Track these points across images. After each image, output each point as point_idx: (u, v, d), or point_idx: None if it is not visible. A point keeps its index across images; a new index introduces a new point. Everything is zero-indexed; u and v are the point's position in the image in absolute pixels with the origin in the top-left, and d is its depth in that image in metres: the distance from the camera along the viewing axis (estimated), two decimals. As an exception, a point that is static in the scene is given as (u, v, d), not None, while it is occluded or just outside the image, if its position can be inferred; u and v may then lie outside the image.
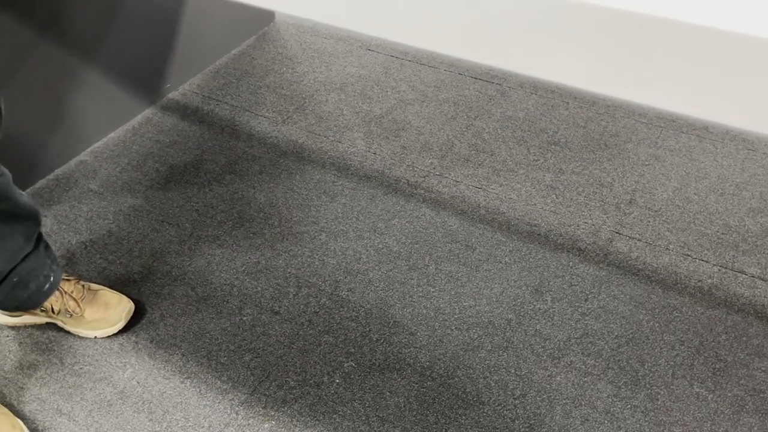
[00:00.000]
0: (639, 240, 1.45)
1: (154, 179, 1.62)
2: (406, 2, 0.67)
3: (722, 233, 1.45)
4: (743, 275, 1.36)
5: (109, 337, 1.27)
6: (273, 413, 1.15)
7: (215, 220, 1.52)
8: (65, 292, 1.23)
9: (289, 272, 1.40)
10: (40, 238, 1.17)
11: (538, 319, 1.30)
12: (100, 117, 1.72)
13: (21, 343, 1.26)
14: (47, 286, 1.20)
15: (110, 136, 1.74)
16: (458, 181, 1.61)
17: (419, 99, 1.88)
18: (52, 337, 1.27)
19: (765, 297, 1.32)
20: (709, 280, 1.36)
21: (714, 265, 1.39)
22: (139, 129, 1.77)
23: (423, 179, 1.62)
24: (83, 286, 1.27)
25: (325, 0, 0.71)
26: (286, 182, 1.62)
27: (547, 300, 1.34)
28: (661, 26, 0.56)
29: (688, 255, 1.41)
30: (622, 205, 1.53)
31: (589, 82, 0.62)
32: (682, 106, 0.60)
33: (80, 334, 1.27)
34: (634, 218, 1.50)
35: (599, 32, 0.59)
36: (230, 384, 1.20)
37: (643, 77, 0.59)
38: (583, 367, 1.21)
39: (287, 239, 1.47)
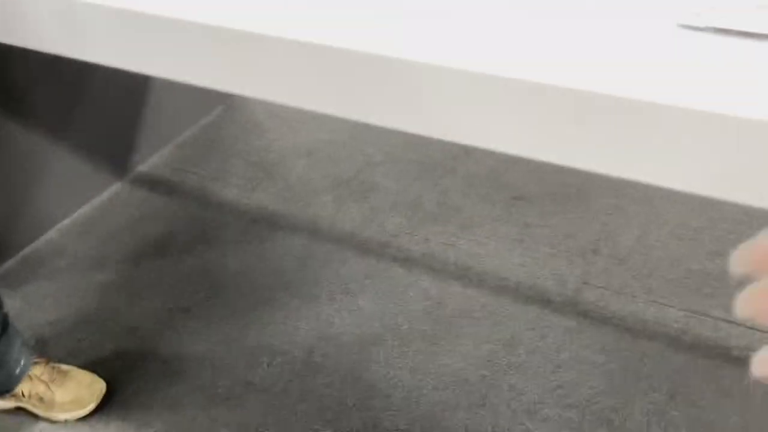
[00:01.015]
0: (606, 289, 1.48)
1: (125, 254, 1.62)
2: (364, 87, 0.71)
3: (685, 278, 1.49)
4: (708, 318, 1.39)
5: (80, 419, 1.24)
6: (251, 488, 1.13)
7: (187, 291, 1.51)
8: (35, 376, 1.21)
9: (263, 340, 1.39)
10: (6, 321, 1.16)
11: (512, 374, 1.31)
12: (67, 194, 1.72)
13: (-11, 430, 1.23)
14: (18, 370, 1.18)
15: (78, 212, 1.75)
16: (428, 239, 1.64)
17: (386, 160, 1.93)
18: (21, 422, 1.24)
19: (730, 338, 1.35)
20: (676, 325, 1.39)
21: (679, 309, 1.42)
22: (107, 204, 1.78)
23: (393, 239, 1.64)
24: (53, 367, 1.25)
25: (281, 81, 0.74)
26: (257, 249, 1.63)
27: (520, 354, 1.35)
28: (604, 101, 0.60)
29: (654, 301, 1.44)
30: (588, 255, 1.57)
31: (535, 151, 0.66)
32: (624, 172, 0.64)
33: (51, 418, 1.24)
34: (599, 267, 1.53)
35: (542, 107, 0.63)
36: (206, 460, 1.18)
37: (590, 147, 0.63)
38: (559, 420, 1.22)
39: (259, 307, 1.47)
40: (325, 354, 1.36)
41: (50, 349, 1.37)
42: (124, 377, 1.32)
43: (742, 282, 0.30)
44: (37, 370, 1.22)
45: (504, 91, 0.63)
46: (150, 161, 1.92)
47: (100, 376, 1.28)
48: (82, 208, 1.76)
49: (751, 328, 1.37)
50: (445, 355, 1.35)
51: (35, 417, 1.25)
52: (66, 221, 1.72)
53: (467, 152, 1.94)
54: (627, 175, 0.63)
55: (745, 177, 0.57)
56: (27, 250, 1.63)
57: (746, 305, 0.28)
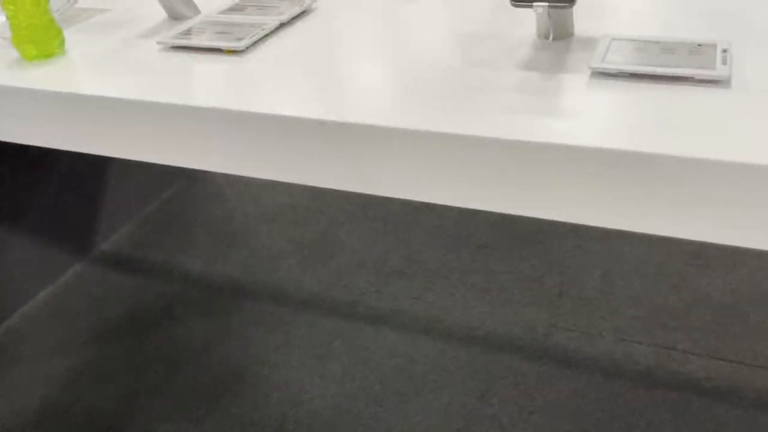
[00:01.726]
0: (574, 331, 1.48)
1: (88, 336, 1.59)
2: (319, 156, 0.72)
3: (650, 314, 1.50)
4: (675, 352, 1.40)
5: None
6: None
7: (153, 370, 1.48)
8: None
9: (233, 412, 1.36)
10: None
11: (487, 426, 1.29)
12: (27, 278, 1.70)
13: None
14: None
15: (39, 296, 1.72)
16: (395, 295, 1.64)
17: (349, 219, 1.94)
18: None
19: (699, 371, 1.36)
20: (645, 362, 1.39)
21: (647, 346, 1.42)
22: (69, 286, 1.75)
23: (360, 297, 1.64)
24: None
25: (239, 155, 0.75)
26: (223, 321, 1.61)
27: (494, 404, 1.34)
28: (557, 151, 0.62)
29: (623, 339, 1.45)
30: (554, 299, 1.58)
31: (487, 204, 0.67)
32: (578, 218, 0.65)
33: None
34: (566, 310, 1.54)
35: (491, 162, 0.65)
36: None
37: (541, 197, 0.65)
38: (538, 469, 1.20)
39: (228, 379, 1.44)
40: (298, 421, 1.33)
41: (11, 442, 1.32)
42: (90, 465, 1.27)
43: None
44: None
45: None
46: (112, 239, 1.91)
47: (63, 465, 1.24)
48: (42, 291, 1.73)
49: (718, 358, 1.38)
50: (419, 413, 1.33)
51: None
52: (26, 306, 1.69)
53: (429, 205, 1.97)
54: (568, 218, 0.65)
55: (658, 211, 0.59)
56: (-14, 340, 1.59)
57: None
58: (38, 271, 1.73)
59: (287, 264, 1.78)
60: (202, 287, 1.72)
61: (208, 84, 0.78)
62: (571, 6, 0.68)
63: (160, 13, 1.01)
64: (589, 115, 0.63)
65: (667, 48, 0.71)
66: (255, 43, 0.86)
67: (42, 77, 0.83)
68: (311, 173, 0.72)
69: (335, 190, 2.07)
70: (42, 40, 0.87)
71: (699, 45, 0.70)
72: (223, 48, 0.84)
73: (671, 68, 0.67)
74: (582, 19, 0.82)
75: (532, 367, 1.40)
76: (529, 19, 0.83)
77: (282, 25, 0.91)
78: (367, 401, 1.36)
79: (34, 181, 1.68)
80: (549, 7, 0.68)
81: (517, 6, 0.69)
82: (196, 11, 0.99)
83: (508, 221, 1.86)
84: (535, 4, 0.68)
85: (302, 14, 0.95)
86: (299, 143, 0.70)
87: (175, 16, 0.99)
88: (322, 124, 0.67)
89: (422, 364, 1.44)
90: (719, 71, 0.65)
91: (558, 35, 0.76)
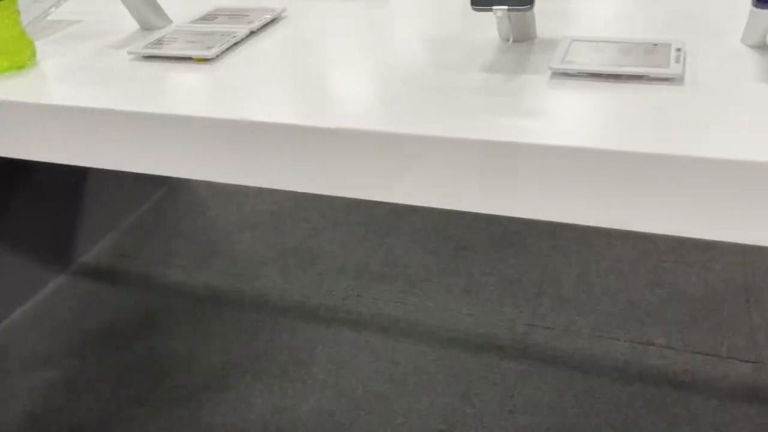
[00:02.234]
0: (553, 329, 1.50)
1: (69, 348, 1.58)
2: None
3: (627, 310, 1.53)
4: (652, 347, 1.43)
5: None
6: None
7: (135, 379, 1.48)
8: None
9: (216, 420, 1.37)
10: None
11: (469, 425, 1.30)
12: (7, 292, 1.69)
13: None
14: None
15: (20, 310, 1.71)
16: (376, 299, 1.65)
17: (330, 225, 1.95)
18: None
19: (675, 365, 1.38)
20: (623, 357, 1.41)
21: (624, 341, 1.45)
22: (50, 298, 1.75)
23: (342, 302, 1.65)
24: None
25: (218, 163, 0.76)
26: (204, 329, 1.61)
27: (475, 404, 1.35)
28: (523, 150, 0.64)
29: (600, 336, 1.47)
30: (532, 298, 1.60)
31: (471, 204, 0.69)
32: (555, 215, 0.67)
33: None
34: (545, 309, 1.56)
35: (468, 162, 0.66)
36: None
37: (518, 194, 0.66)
38: (519, 466, 1.22)
39: (211, 387, 1.45)
40: (281, 428, 1.34)
41: (-8, 457, 1.32)
42: (72, 477, 1.27)
43: None
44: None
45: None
46: (93, 251, 1.91)
47: (45, 478, 1.23)
48: (24, 305, 1.73)
49: (694, 352, 1.41)
50: (401, 415, 1.34)
51: None
52: (7, 321, 1.68)
53: (410, 208, 1.98)
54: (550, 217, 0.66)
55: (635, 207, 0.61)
56: (-34, 355, 1.58)
57: None
58: (17, 285, 1.72)
59: (269, 271, 1.78)
60: (184, 296, 1.72)
61: (179, 92, 0.79)
62: (530, 9, 0.70)
63: (132, 24, 1.02)
64: (551, 114, 0.65)
65: (625, 48, 0.73)
66: (225, 51, 0.87)
67: (13, 88, 0.84)
68: (284, 178, 0.73)
69: (316, 197, 2.08)
70: (13, 51, 0.87)
71: (654, 45, 0.72)
72: (194, 56, 0.86)
73: (627, 67, 0.69)
74: (546, 22, 0.84)
75: (511, 366, 1.42)
76: (493, 23, 0.85)
77: (252, 33, 0.93)
78: (349, 405, 1.37)
79: (11, 193, 1.68)
80: (508, 10, 0.70)
81: (477, 10, 0.71)
82: (168, 21, 1.01)
83: (487, 223, 1.88)
84: (494, 7, 0.70)
85: (272, 22, 0.97)
86: (270, 148, 0.71)
87: (146, 26, 1.00)
88: (291, 128, 0.68)
89: (403, 366, 1.45)
90: (672, 69, 0.67)
91: (519, 38, 0.78)
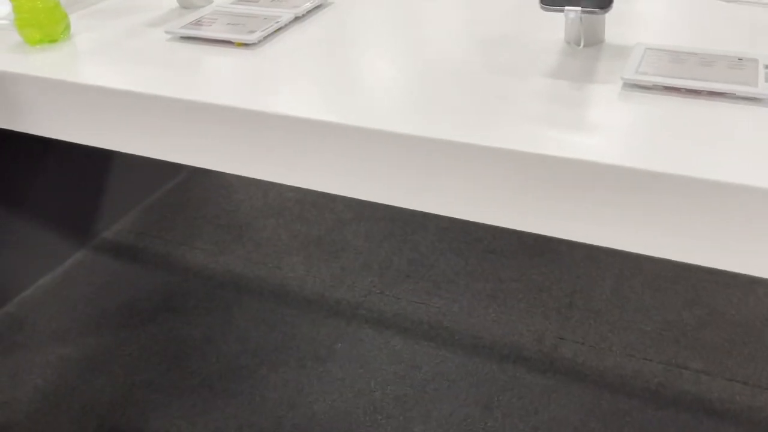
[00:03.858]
0: (582, 344, 1.44)
1: (85, 325, 1.56)
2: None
3: (662, 329, 1.46)
4: (687, 371, 1.36)
5: (31, 508, 1.16)
6: None
7: (149, 363, 1.45)
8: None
9: (228, 412, 1.33)
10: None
11: (490, 439, 1.25)
12: (27, 264, 1.67)
13: None
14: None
15: (39, 283, 1.69)
16: (399, 298, 1.60)
17: (356, 218, 1.90)
18: None
19: (711, 392, 1.32)
20: (655, 380, 1.35)
21: (658, 363, 1.38)
22: (69, 273, 1.72)
23: (364, 299, 1.60)
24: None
25: (240, 155, 0.72)
26: (223, 315, 1.57)
27: (497, 416, 1.30)
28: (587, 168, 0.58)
29: (632, 355, 1.41)
30: (563, 309, 1.54)
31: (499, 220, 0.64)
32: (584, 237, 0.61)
33: None
34: (575, 321, 1.50)
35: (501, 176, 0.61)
36: None
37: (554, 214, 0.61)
38: (540, 487, 1.17)
39: (226, 376, 1.41)
40: (295, 424, 1.30)
41: (2, 432, 1.30)
42: (81, 459, 1.24)
43: None
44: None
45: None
46: (115, 227, 1.88)
47: (54, 459, 1.21)
48: (43, 278, 1.70)
49: (731, 379, 1.34)
50: (419, 422, 1.30)
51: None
52: (26, 292, 1.66)
53: (438, 207, 1.92)
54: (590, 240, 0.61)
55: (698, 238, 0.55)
56: (-18, 325, 1.56)
57: None
58: (40, 256, 1.70)
59: (292, 260, 1.74)
60: (204, 280, 1.69)
61: (215, 78, 0.74)
62: (605, 12, 0.64)
63: (172, 1, 0.97)
64: (619, 130, 0.59)
65: (705, 61, 0.66)
66: (267, 37, 0.82)
67: (43, 63, 0.80)
68: (315, 177, 0.68)
69: (343, 187, 2.03)
70: (46, 24, 0.83)
71: (740, 59, 0.66)
72: (234, 41, 0.81)
73: (709, 83, 0.62)
74: (613, 25, 0.78)
75: (537, 380, 1.37)
76: (557, 23, 0.79)
77: (296, 19, 0.87)
78: (366, 408, 1.33)
79: (38, 166, 1.65)
80: (582, 12, 0.64)
81: (546, 10, 0.65)
82: (209, 0, 0.96)
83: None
84: (566, 8, 0.64)
85: (318, 8, 0.91)
86: (304, 145, 0.66)
87: (186, 5, 0.95)
88: (327, 126, 0.63)
89: (424, 371, 1.40)
90: (762, 89, 0.60)
91: (588, 42, 0.72)
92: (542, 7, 0.65)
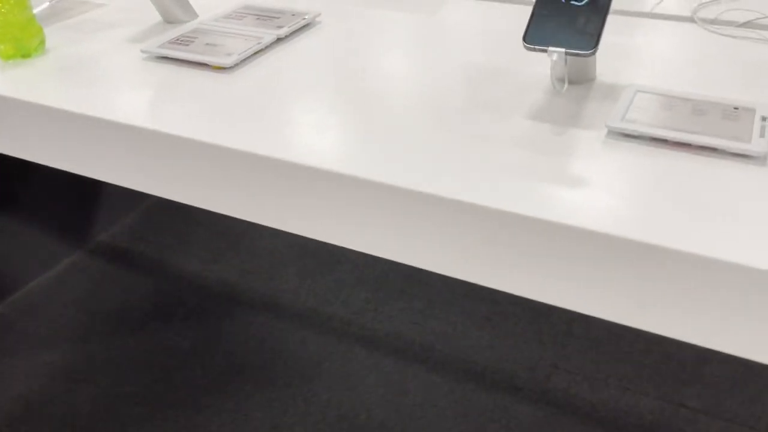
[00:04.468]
0: (577, 374, 1.40)
1: (73, 331, 1.54)
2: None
3: (661, 363, 1.41)
4: (684, 409, 1.31)
5: None
6: None
7: (135, 373, 1.43)
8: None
9: (211, 430, 1.31)
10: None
11: (474, 472, 1.22)
12: (21, 265, 1.66)
13: None
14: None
15: (31, 285, 1.68)
16: (392, 317, 1.56)
17: (355, 229, 1.87)
18: None
19: (707, 434, 1.27)
20: (650, 416, 1.30)
21: (654, 398, 1.34)
22: (63, 276, 1.71)
23: (356, 316, 1.57)
24: (-19, 461, 1.17)
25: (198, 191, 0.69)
26: (213, 327, 1.55)
27: (484, 448, 1.26)
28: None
29: (628, 388, 1.36)
30: (559, 336, 1.49)
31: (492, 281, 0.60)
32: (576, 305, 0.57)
33: None
34: (571, 350, 1.46)
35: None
36: None
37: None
38: None
39: (211, 392, 1.39)
40: (276, 446, 1.27)
41: (-18, 440, 1.28)
42: (58, 472, 1.23)
43: None
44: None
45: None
46: (111, 230, 1.86)
47: (30, 472, 1.19)
48: (36, 279, 1.69)
49: (730, 421, 1.29)
50: (403, 449, 1.27)
51: None
52: (17, 294, 1.65)
53: (439, 222, 1.89)
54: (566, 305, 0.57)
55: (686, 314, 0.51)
56: (-29, 327, 1.55)
57: None
58: (35, 257, 1.69)
59: (286, 272, 1.71)
60: (197, 289, 1.66)
61: (184, 106, 0.71)
62: (591, 54, 0.60)
63: (156, 15, 0.94)
64: (598, 186, 0.55)
65: (699, 108, 0.62)
66: (246, 60, 0.79)
67: (12, 80, 0.77)
68: (281, 217, 0.65)
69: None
70: (20, 38, 0.81)
71: (735, 108, 0.61)
72: (210, 63, 0.77)
73: (699, 135, 0.58)
74: (608, 59, 0.74)
75: (528, 410, 1.33)
76: (546, 57, 0.74)
77: (279, 40, 0.84)
78: None
79: (36, 166, 1.64)
80: (566, 54, 0.59)
81: (529, 49, 0.61)
82: (193, 15, 0.93)
83: (520, 246, 1.77)
84: (549, 48, 0.60)
85: (304, 28, 0.88)
86: (264, 184, 0.63)
87: (169, 20, 0.92)
88: (288, 167, 0.60)
89: (413, 396, 1.37)
90: (755, 146, 0.56)
91: (575, 80, 0.68)
92: (525, 46, 0.61)
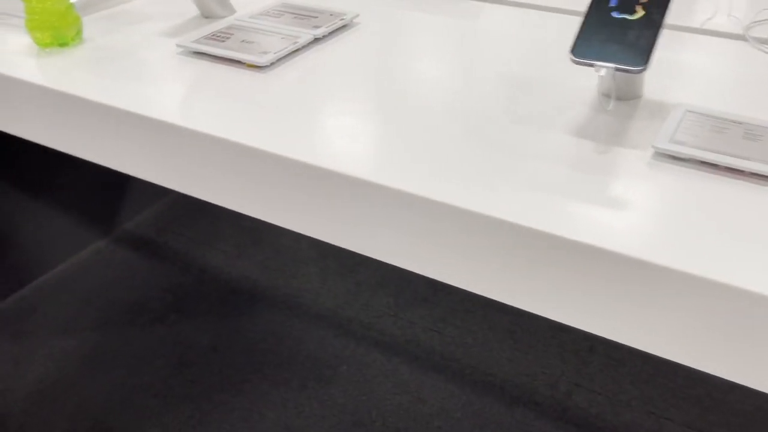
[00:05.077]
0: (599, 393, 1.36)
1: (94, 319, 1.55)
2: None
3: (687, 387, 1.37)
4: (709, 437, 1.27)
5: (15, 506, 1.15)
6: None
7: (152, 366, 1.43)
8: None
9: (224, 428, 1.30)
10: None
11: (489, 487, 1.19)
12: (47, 250, 1.67)
13: None
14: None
15: (56, 269, 1.69)
16: (413, 323, 1.54)
17: (379, 232, 1.85)
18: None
19: (733, 465, 1.23)
20: (673, 443, 1.26)
21: (678, 424, 1.30)
22: (87, 262, 1.72)
23: (376, 320, 1.55)
24: (-3, 444, 1.17)
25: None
26: (233, 323, 1.55)
27: (499, 464, 1.24)
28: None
29: (652, 412, 1.32)
30: (583, 353, 1.46)
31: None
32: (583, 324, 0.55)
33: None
34: (594, 368, 1.42)
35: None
36: None
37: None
38: None
39: (226, 389, 1.38)
40: (289, 448, 1.26)
41: (0, 423, 1.29)
42: (72, 460, 1.23)
43: None
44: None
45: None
46: (137, 219, 1.87)
47: (44, 458, 1.20)
48: (61, 264, 1.70)
49: (756, 452, 1.25)
50: (418, 459, 1.25)
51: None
52: (42, 278, 1.66)
53: (465, 229, 1.86)
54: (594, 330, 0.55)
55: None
56: (-5, 309, 1.57)
57: None
58: (60, 243, 1.70)
59: (308, 270, 1.70)
60: (218, 284, 1.66)
61: (216, 103, 0.70)
62: (641, 71, 0.57)
63: (194, 8, 0.93)
64: (641, 211, 0.52)
65: (751, 133, 0.59)
66: (281, 59, 0.78)
67: (47, 69, 0.77)
68: (299, 221, 0.64)
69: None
70: (57, 26, 0.80)
71: (791, 135, 0.58)
72: (245, 61, 0.76)
73: (752, 162, 0.55)
74: (654, 76, 0.71)
75: (547, 428, 1.30)
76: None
77: (316, 40, 0.83)
78: (366, 437, 1.28)
79: (63, 153, 1.65)
80: (615, 69, 0.57)
81: (576, 63, 0.59)
82: (231, 11, 0.92)
83: (546, 258, 1.74)
84: (597, 63, 0.57)
85: (342, 29, 0.86)
86: (291, 186, 0.62)
87: (207, 15, 0.91)
88: (309, 168, 0.59)
89: (430, 405, 1.34)
90: (812, 176, 0.53)
91: (622, 97, 0.65)
92: (572, 60, 0.59)
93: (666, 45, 0.77)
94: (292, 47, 0.79)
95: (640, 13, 0.61)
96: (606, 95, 0.60)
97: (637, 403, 1.34)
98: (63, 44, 0.81)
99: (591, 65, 0.58)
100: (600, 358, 1.45)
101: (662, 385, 1.38)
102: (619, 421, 1.31)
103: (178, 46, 0.80)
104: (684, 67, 0.76)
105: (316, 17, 0.87)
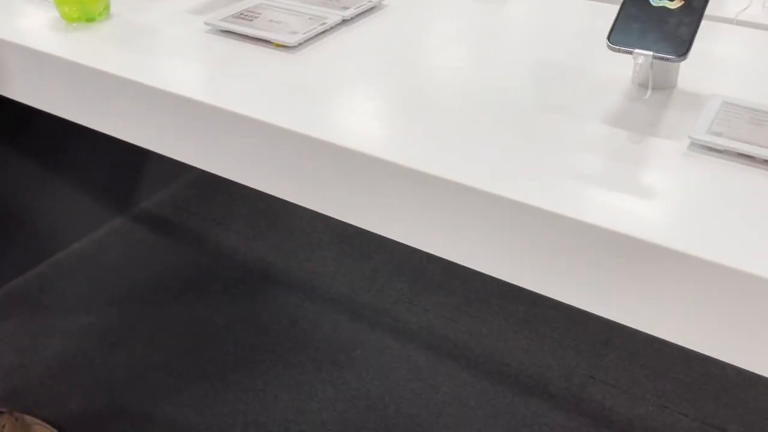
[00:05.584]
0: (614, 386, 1.36)
1: (111, 296, 1.56)
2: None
3: (702, 382, 1.36)
4: (724, 434, 1.26)
5: (32, 478, 1.17)
6: None
7: (168, 344, 1.44)
8: (-8, 429, 1.14)
9: (238, 408, 1.31)
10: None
11: (500, 476, 1.19)
12: (65, 226, 1.68)
13: (-64, 480, 1.16)
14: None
15: (74, 246, 1.70)
16: (427, 310, 1.54)
17: (395, 218, 1.84)
18: (-29, 475, 1.17)
19: (747, 462, 1.22)
20: (688, 438, 1.26)
21: (693, 419, 1.29)
22: (104, 240, 1.73)
23: (391, 306, 1.55)
24: (16, 418, 1.19)
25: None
26: (247, 304, 1.55)
27: (512, 453, 1.24)
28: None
29: (666, 406, 1.32)
30: (598, 346, 1.45)
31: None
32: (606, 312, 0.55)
33: (2, 473, 1.17)
34: (609, 361, 1.42)
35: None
36: None
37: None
38: None
39: (240, 369, 1.39)
40: (302, 431, 1.27)
41: (18, 397, 1.30)
42: (87, 434, 1.24)
43: None
44: (0, 421, 1.16)
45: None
46: (154, 198, 1.88)
47: None
48: (78, 241, 1.71)
49: (771, 450, 1.24)
50: (430, 445, 1.25)
51: (-13, 470, 1.18)
52: (60, 254, 1.67)
53: (481, 217, 1.85)
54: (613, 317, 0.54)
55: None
56: (14, 283, 1.58)
57: None
58: (77, 220, 1.71)
59: (323, 254, 1.70)
60: (233, 264, 1.66)
61: (242, 82, 0.69)
62: (681, 60, 0.56)
63: (221, -15, 0.92)
64: (677, 202, 0.51)
65: (789, 125, 0.58)
66: (309, 40, 0.77)
67: (74, 44, 0.76)
68: (322, 201, 0.64)
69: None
70: (85, 1, 0.80)
71: (831, 129, 0.57)
72: (273, 41, 0.76)
73: (792, 156, 0.54)
74: (688, 67, 0.69)
75: (560, 419, 1.29)
76: (626, 58, 0.71)
77: (344, 21, 0.82)
78: (378, 424, 1.28)
79: (85, 128, 1.65)
80: (653, 57, 0.56)
81: (613, 50, 0.57)
82: (258, -11, 0.91)
83: (562, 249, 1.72)
84: (635, 51, 0.56)
85: (369, 11, 0.85)
86: (314, 165, 0.61)
87: (234, -8, 0.90)
88: (332, 147, 0.58)
89: (443, 393, 1.34)
90: None
91: (656, 86, 0.64)
92: (609, 46, 0.58)
93: (699, 35, 0.76)
94: (321, 28, 0.78)
95: (679, 1, 0.60)
96: (642, 85, 0.59)
97: (652, 397, 1.34)
98: (90, 19, 0.81)
99: (629, 53, 0.57)
100: (615, 351, 1.44)
101: (677, 380, 1.37)
102: (633, 414, 1.30)
103: (206, 24, 0.80)
104: (717, 57, 0.74)
105: (344, -2, 0.86)
